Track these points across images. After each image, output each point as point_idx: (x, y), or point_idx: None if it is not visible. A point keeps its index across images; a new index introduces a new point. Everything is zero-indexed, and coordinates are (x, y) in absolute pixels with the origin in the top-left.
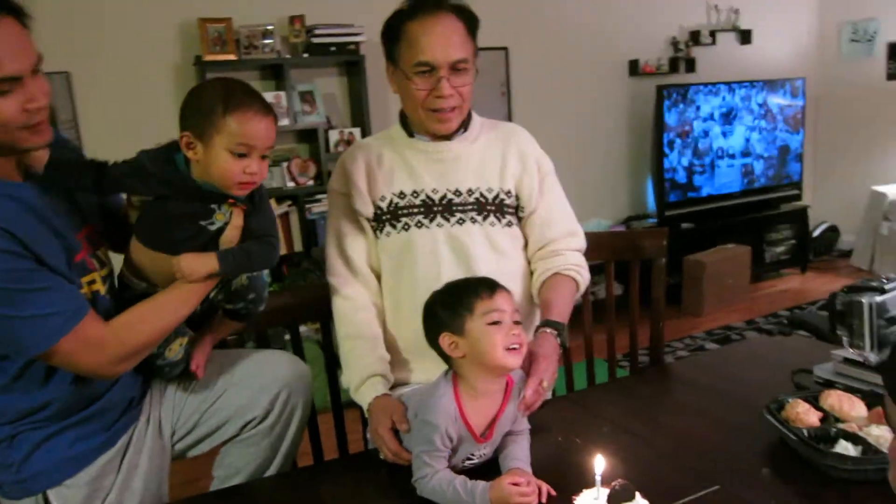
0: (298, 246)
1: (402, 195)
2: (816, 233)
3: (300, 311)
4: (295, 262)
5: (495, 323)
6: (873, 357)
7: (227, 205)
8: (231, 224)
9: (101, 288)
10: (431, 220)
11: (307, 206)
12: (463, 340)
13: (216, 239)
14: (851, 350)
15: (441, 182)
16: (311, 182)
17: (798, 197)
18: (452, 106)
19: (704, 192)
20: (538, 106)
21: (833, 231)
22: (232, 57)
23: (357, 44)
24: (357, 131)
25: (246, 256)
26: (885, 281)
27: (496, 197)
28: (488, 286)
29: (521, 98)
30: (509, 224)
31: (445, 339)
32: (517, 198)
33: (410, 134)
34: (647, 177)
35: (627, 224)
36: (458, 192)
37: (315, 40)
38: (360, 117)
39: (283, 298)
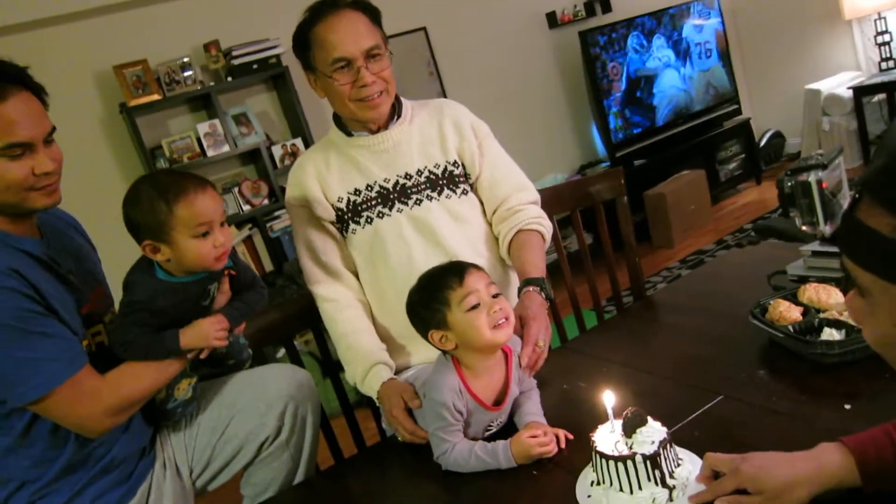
0: (269, 265)
1: (357, 192)
2: (763, 142)
3: (291, 324)
4: (269, 282)
5: (475, 307)
6: (828, 229)
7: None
8: (220, 291)
9: (105, 339)
10: (391, 208)
11: (268, 224)
12: (450, 333)
13: (209, 308)
14: (805, 228)
15: (390, 170)
16: (265, 201)
17: (738, 111)
18: (379, 91)
19: (648, 126)
20: (469, 78)
21: (778, 137)
22: (156, 97)
23: (278, 56)
24: (299, 141)
25: (246, 306)
26: (821, 156)
27: (445, 170)
28: (456, 273)
29: (450, 74)
30: (465, 192)
31: (435, 336)
32: (463, 166)
33: (349, 133)
34: (591, 124)
35: (582, 173)
36: (408, 176)
37: (235, 62)
38: (298, 127)
39: (272, 316)
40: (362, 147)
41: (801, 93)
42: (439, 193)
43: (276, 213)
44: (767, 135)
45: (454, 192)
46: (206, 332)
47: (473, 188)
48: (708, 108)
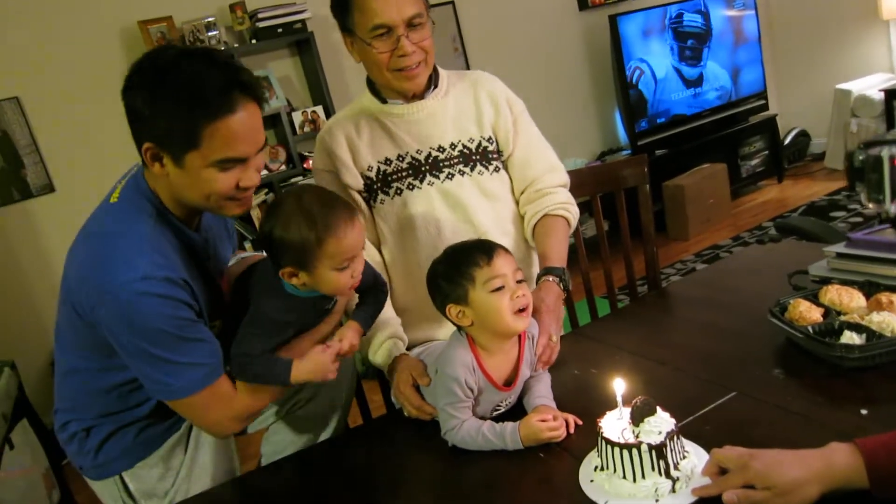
0: None
1: (387, 161)
2: (788, 140)
3: None
4: None
5: (499, 289)
6: (893, 208)
7: None
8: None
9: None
10: (422, 181)
11: (284, 190)
12: (469, 310)
13: (331, 311)
14: (870, 205)
15: (423, 141)
16: (283, 167)
17: (765, 107)
18: (417, 61)
19: (673, 115)
20: (495, 56)
21: (804, 136)
22: None
23: (303, 21)
24: (319, 109)
25: (374, 309)
26: None
27: (479, 145)
28: (485, 252)
29: (476, 51)
30: (497, 169)
31: (452, 310)
32: (497, 142)
33: (383, 100)
34: (614, 110)
35: (602, 159)
36: (441, 149)
37: (260, 24)
38: (319, 95)
39: None
40: (396, 116)
41: (831, 92)
42: (472, 169)
43: (294, 180)
44: (793, 133)
45: (486, 168)
46: (323, 367)
47: (505, 165)
48: (734, 102)
